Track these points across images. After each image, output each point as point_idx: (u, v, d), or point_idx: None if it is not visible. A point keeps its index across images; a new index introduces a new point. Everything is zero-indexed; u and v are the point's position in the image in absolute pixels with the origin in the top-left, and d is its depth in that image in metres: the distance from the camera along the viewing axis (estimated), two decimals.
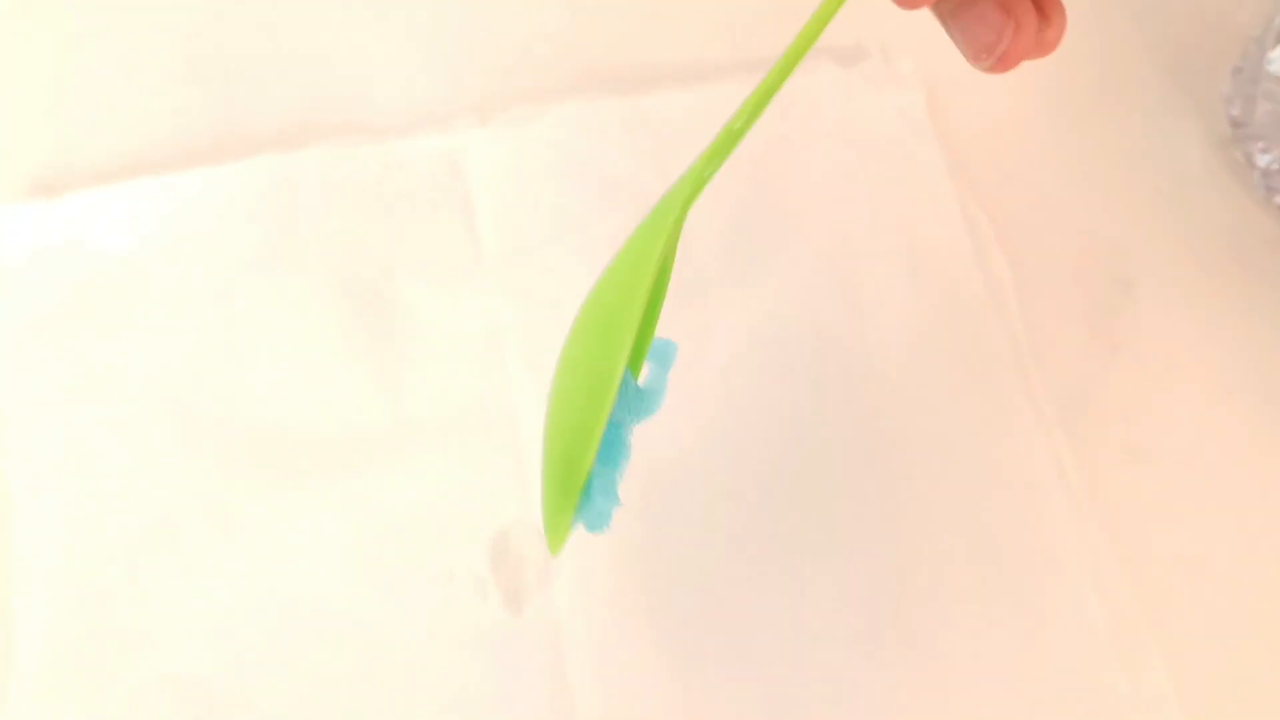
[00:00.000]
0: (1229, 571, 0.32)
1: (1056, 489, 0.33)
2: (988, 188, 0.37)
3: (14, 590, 0.33)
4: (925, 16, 0.40)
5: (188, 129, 0.38)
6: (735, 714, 0.31)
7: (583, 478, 0.23)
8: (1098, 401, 0.34)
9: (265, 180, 0.38)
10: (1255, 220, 0.36)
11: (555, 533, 0.24)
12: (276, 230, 0.37)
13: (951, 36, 0.25)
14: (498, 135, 0.39)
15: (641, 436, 0.34)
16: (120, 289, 0.36)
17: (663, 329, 0.36)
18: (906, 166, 0.38)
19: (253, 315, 0.36)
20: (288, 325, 0.36)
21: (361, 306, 0.36)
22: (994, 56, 0.24)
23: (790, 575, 0.33)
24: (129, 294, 0.36)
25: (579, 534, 0.33)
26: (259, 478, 0.34)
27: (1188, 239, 0.36)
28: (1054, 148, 0.38)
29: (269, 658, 0.32)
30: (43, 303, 0.36)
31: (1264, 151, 0.35)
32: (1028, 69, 0.39)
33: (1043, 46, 0.24)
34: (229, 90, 0.39)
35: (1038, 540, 0.33)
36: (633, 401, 0.27)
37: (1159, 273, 0.36)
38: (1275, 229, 0.36)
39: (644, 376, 0.27)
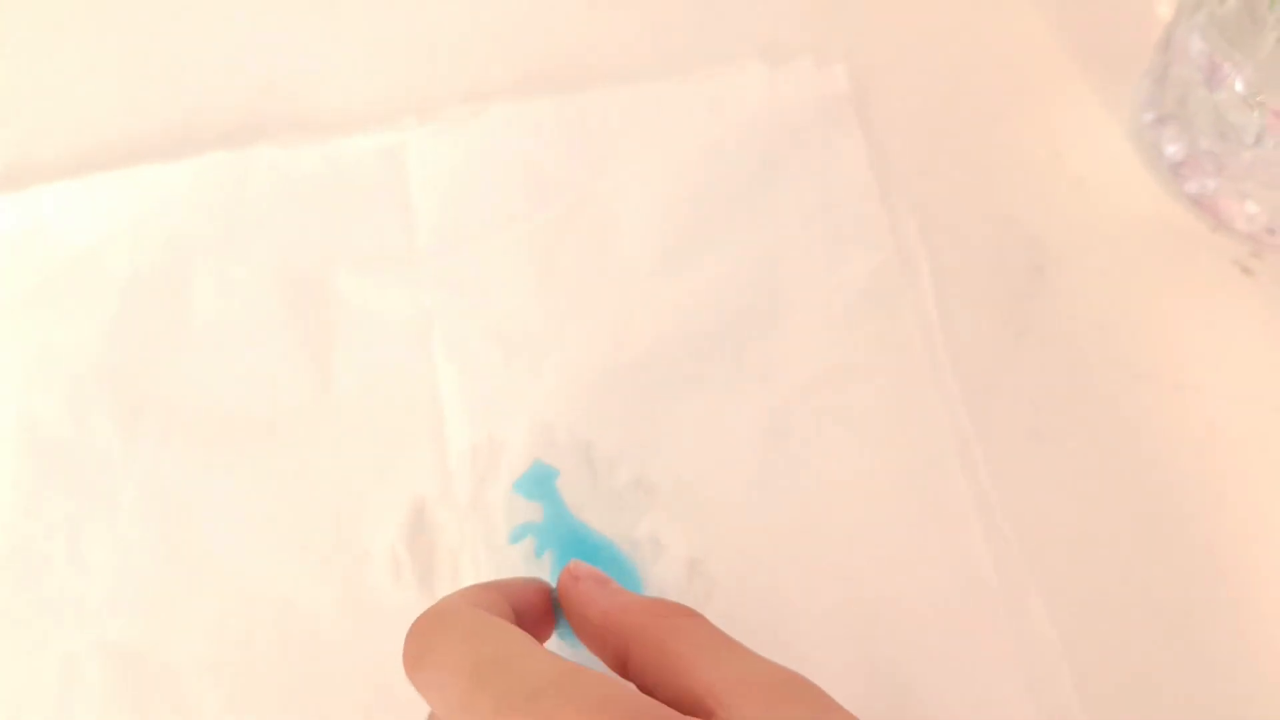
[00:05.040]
0: (1127, 556, 0.33)
1: (958, 468, 0.34)
2: (910, 179, 0.38)
3: None
4: (854, 15, 0.41)
5: (141, 126, 0.40)
6: None
7: None
8: (1005, 385, 0.35)
9: (215, 175, 0.40)
10: (1164, 209, 0.36)
11: None
12: (225, 223, 0.39)
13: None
14: (436, 133, 0.40)
15: (558, 416, 0.35)
16: (76, 276, 0.38)
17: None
18: (832, 162, 0.39)
19: (199, 303, 0.38)
20: (232, 313, 0.38)
21: (301, 295, 0.38)
22: None
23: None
24: (84, 281, 0.38)
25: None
26: (195, 456, 0.36)
27: (1099, 228, 0.36)
28: (974, 140, 0.38)
29: (193, 629, 0.34)
30: (2, 289, 0.38)
31: (1173, 140, 0.36)
32: (949, 63, 0.39)
33: None
34: (181, 89, 0.41)
35: (938, 519, 0.33)
36: None
37: (1070, 260, 0.36)
38: (1182, 217, 0.36)
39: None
